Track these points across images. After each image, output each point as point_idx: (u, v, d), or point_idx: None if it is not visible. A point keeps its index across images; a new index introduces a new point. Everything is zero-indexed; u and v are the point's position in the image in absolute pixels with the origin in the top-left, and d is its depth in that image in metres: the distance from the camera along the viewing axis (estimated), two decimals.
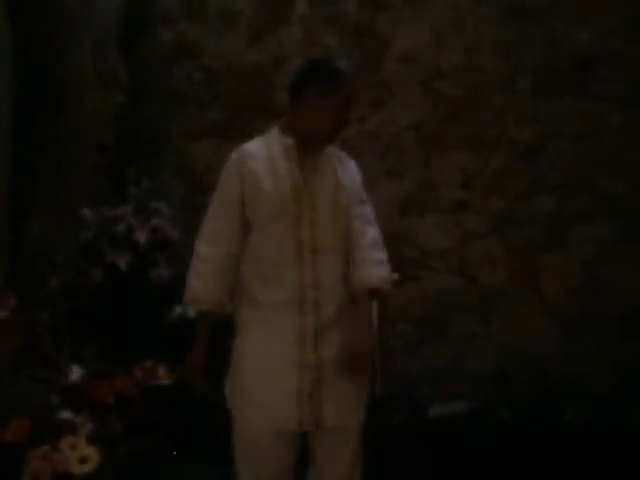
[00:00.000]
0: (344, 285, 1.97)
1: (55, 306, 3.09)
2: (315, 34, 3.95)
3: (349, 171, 2.09)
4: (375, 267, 2.02)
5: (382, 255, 2.09)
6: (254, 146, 2.01)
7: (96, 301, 3.24)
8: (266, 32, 4.02)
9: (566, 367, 3.41)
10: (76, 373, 2.93)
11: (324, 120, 1.92)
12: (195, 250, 2.01)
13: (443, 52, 3.75)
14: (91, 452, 2.52)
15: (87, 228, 3.40)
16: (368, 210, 2.10)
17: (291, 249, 1.90)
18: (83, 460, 2.48)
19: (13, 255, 3.19)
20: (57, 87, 3.50)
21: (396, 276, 3.61)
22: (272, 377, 1.89)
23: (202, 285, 1.95)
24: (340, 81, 1.92)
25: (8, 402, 2.61)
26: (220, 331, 2.08)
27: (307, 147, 1.96)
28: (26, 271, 3.23)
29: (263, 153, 1.96)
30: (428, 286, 3.79)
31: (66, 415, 2.61)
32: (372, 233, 2.08)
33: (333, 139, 2.01)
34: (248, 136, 3.99)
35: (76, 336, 3.13)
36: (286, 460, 1.94)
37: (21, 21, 3.25)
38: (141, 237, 3.41)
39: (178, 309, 3.44)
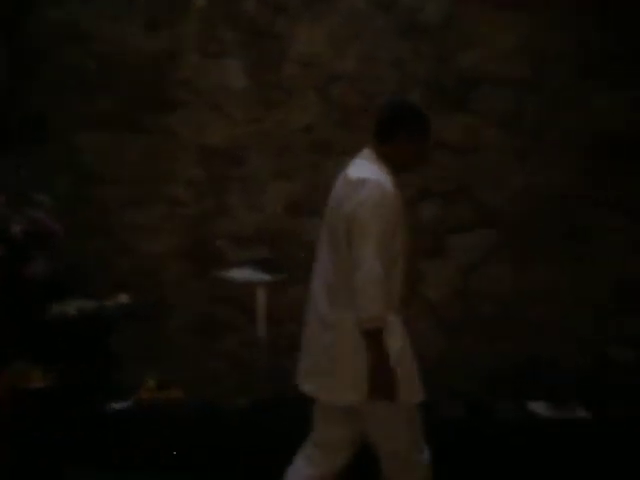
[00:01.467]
0: None
1: None
2: (213, 29, 3.90)
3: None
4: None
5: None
6: (382, 173, 2.20)
7: None
8: (163, 22, 3.91)
9: (446, 366, 3.61)
10: None
11: (416, 154, 2.27)
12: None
13: (339, 58, 3.83)
14: None
15: None
16: None
17: (404, 260, 2.24)
18: None
19: None
20: None
21: (284, 276, 3.67)
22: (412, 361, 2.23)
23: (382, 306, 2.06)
24: (428, 124, 2.29)
25: None
26: None
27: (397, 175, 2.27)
28: None
29: (389, 180, 2.20)
30: None
31: None
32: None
33: (415, 168, 2.36)
34: (139, 129, 3.94)
35: None
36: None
37: None
38: (16, 229, 3.20)
39: (56, 307, 3.27)
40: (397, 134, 2.22)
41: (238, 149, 3.97)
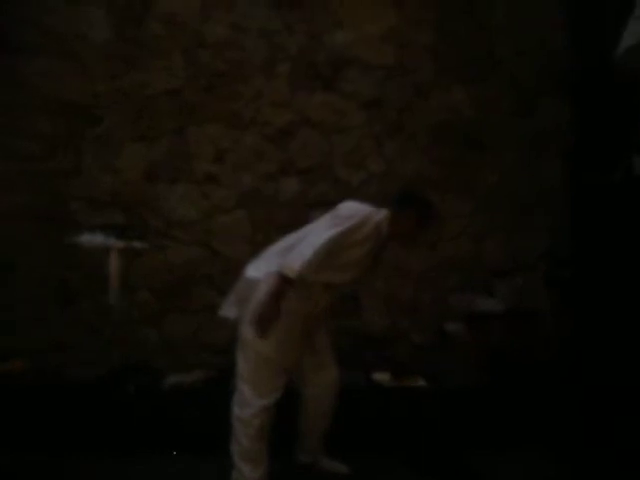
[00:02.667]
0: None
1: None
2: None
3: None
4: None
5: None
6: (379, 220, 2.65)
7: None
8: None
9: None
10: None
11: (415, 233, 2.65)
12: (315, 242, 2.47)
13: (209, 23, 3.73)
14: None
15: None
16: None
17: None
18: None
19: None
20: None
21: (138, 244, 3.56)
22: (289, 329, 2.60)
23: (308, 269, 2.40)
24: (435, 219, 2.68)
25: None
26: None
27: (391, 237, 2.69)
28: None
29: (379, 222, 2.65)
30: (172, 256, 3.78)
31: None
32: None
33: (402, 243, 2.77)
34: None
35: None
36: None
37: None
38: None
39: None
40: (406, 216, 2.62)
41: (96, 106, 3.74)
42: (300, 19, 3.76)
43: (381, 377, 3.42)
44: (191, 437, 3.12)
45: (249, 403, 2.55)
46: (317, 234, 2.47)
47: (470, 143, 3.87)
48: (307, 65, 3.79)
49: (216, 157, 3.80)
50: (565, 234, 3.86)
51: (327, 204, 3.75)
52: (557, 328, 3.70)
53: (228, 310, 2.72)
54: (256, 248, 3.75)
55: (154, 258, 3.77)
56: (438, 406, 3.17)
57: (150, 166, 3.78)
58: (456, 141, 3.86)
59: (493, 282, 3.78)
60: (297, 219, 3.78)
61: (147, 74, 3.73)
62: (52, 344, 3.56)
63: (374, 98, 3.83)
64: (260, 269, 2.64)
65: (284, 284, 2.36)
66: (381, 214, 2.65)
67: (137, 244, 3.62)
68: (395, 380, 3.36)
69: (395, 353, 3.74)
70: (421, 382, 3.34)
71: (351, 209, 2.59)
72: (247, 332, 2.55)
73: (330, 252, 2.47)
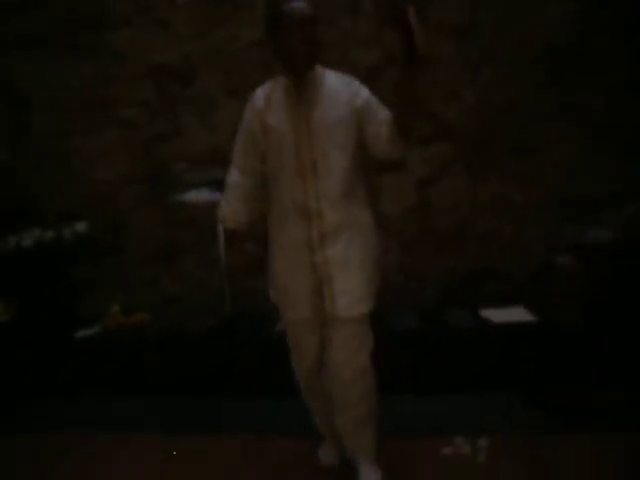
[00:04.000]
0: (350, 199, 2.25)
1: None
2: None
3: (349, 91, 2.22)
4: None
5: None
6: (262, 88, 2.29)
7: None
8: None
9: (402, 279, 3.73)
10: None
11: (284, 50, 2.11)
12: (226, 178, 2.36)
13: None
14: None
15: None
16: (378, 112, 2.21)
17: (294, 172, 2.21)
18: None
19: None
20: None
21: None
22: (291, 278, 2.29)
23: (229, 209, 2.31)
24: (279, 12, 2.09)
25: None
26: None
27: (297, 78, 2.20)
28: None
29: (267, 93, 2.27)
30: None
31: None
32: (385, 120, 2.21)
33: (302, 65, 2.13)
34: (80, 50, 3.76)
35: None
36: (312, 343, 2.39)
37: None
38: None
39: (12, 239, 3.23)
40: (269, 37, 2.16)
41: (188, 67, 3.84)
42: None
43: (488, 314, 3.36)
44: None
45: (295, 371, 2.53)
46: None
47: (571, 65, 3.55)
48: None
49: None
50: None
51: (424, 140, 3.70)
52: None
53: None
54: None
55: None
56: (548, 342, 3.08)
57: None
58: (555, 64, 3.56)
59: (602, 212, 3.53)
60: (393, 161, 3.74)
61: (233, 29, 3.75)
62: (166, 299, 3.82)
63: (464, 25, 3.60)
64: None
65: (226, 233, 2.32)
66: (275, 78, 2.29)
67: None
68: (502, 315, 3.29)
69: (501, 289, 3.64)
70: (528, 317, 3.24)
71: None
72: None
73: (246, 166, 2.29)
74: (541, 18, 3.53)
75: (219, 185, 3.71)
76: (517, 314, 3.32)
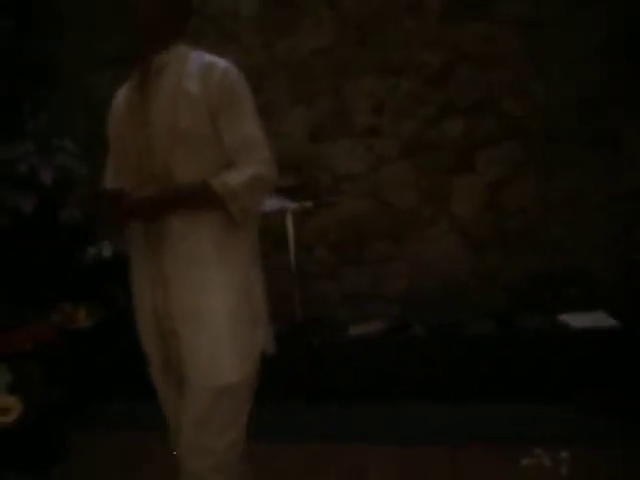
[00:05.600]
0: (203, 223, 1.66)
1: None
2: None
3: (206, 86, 1.64)
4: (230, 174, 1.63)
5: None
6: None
7: (1, 247, 3.10)
8: None
9: (475, 282, 3.65)
10: None
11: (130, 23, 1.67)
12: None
13: None
14: (12, 402, 2.51)
15: None
16: (243, 138, 1.66)
17: (131, 181, 1.67)
18: (5, 411, 2.47)
19: None
20: None
21: (309, 204, 3.68)
22: (141, 317, 1.76)
23: None
24: None
25: None
26: None
27: (140, 63, 1.71)
28: None
29: (125, 86, 1.78)
30: (343, 211, 3.87)
31: None
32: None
33: (145, 38, 1.68)
34: None
35: None
36: (174, 404, 1.79)
37: None
38: (46, 177, 3.26)
39: (92, 250, 3.37)
40: None
41: (255, 77, 3.89)
42: None
43: (566, 318, 3.22)
44: (379, 386, 3.23)
45: None
46: None
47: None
48: None
49: (375, 108, 3.77)
50: None
51: (494, 142, 3.61)
52: None
53: None
54: (423, 195, 3.75)
55: (326, 214, 3.90)
56: (631, 349, 2.92)
57: (313, 126, 3.87)
58: (630, 52, 3.39)
59: None
60: (464, 161, 3.66)
61: (297, 37, 3.78)
62: None
63: (530, 19, 3.48)
64: None
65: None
66: None
67: (309, 203, 3.75)
68: (583, 320, 3.15)
69: (579, 291, 3.49)
70: (610, 322, 3.09)
71: None
72: None
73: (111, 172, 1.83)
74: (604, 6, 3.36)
75: (287, 193, 3.74)
76: (598, 319, 3.17)
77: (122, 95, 1.78)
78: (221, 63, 1.69)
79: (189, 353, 1.66)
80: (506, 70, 3.53)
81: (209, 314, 1.65)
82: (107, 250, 3.40)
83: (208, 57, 1.71)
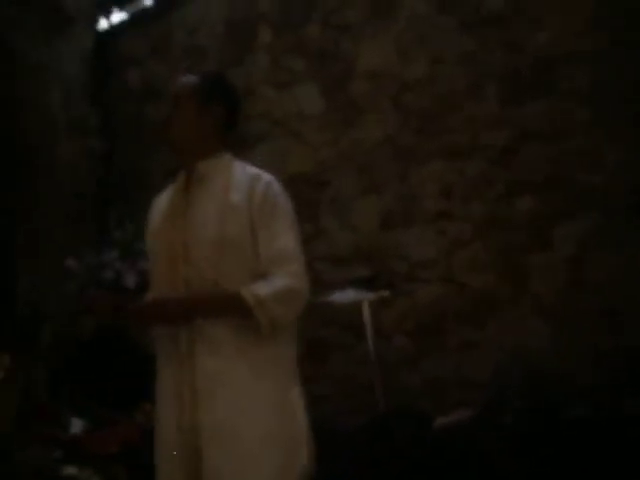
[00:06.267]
0: (240, 336, 1.63)
1: (50, 359, 3.09)
2: (281, 60, 4.00)
3: (250, 196, 1.69)
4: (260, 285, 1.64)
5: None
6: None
7: (90, 350, 3.22)
8: (233, 63, 4.07)
9: (558, 363, 3.43)
10: (77, 425, 2.92)
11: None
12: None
13: (408, 65, 3.80)
14: None
15: (73, 277, 3.40)
16: (280, 249, 1.69)
17: (162, 287, 1.70)
18: None
19: (3, 312, 3.19)
20: (29, 140, 3.52)
21: (386, 293, 3.65)
22: (160, 433, 1.68)
23: None
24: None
25: (12, 462, 2.60)
26: None
27: (185, 170, 1.77)
28: (18, 326, 3.23)
29: (164, 194, 1.84)
30: (420, 297, 3.81)
31: (70, 470, 2.59)
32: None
33: (178, 151, 1.77)
34: None
35: (73, 386, 3.13)
36: None
37: None
38: (130, 281, 3.42)
39: None
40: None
41: (323, 172, 4.03)
42: (495, 31, 3.61)
43: None
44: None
45: None
46: None
47: None
48: (514, 76, 3.60)
49: (443, 192, 3.79)
50: None
51: (568, 215, 3.50)
52: None
53: None
54: (501, 275, 3.65)
55: (403, 302, 3.84)
56: None
57: (383, 215, 3.92)
58: None
59: None
60: (538, 238, 3.56)
61: (361, 130, 3.91)
62: (313, 397, 3.80)
63: (594, 88, 3.45)
64: None
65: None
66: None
67: (386, 292, 3.72)
68: None
69: None
70: None
71: None
72: None
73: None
74: None
75: (362, 284, 3.73)
76: None
77: (162, 201, 1.82)
78: (266, 175, 1.75)
79: (211, 477, 1.56)
80: (575, 141, 3.48)
81: (241, 433, 1.57)
82: None
83: (251, 168, 1.78)
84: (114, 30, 4.27)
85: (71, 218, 3.72)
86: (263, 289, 1.59)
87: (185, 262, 1.64)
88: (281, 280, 1.63)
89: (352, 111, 3.93)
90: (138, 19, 4.26)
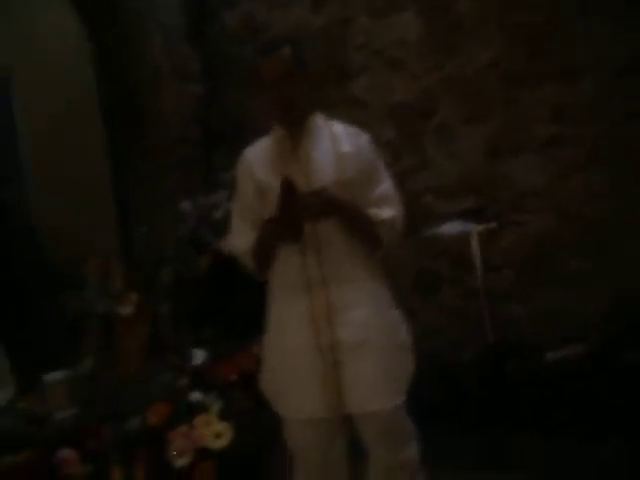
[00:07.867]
0: (360, 268, 1.96)
1: (171, 298, 3.29)
2: None
3: (357, 147, 2.02)
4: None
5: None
6: (251, 145, 2.12)
7: (206, 288, 3.39)
8: None
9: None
10: (199, 357, 3.12)
11: (265, 107, 2.00)
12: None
13: None
14: (224, 428, 2.71)
15: (187, 219, 3.55)
16: (386, 189, 2.04)
17: None
18: (218, 435, 2.67)
19: (126, 256, 3.40)
20: (136, 88, 3.64)
21: (493, 224, 3.57)
22: (292, 366, 1.92)
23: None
24: (258, 68, 1.98)
25: (144, 389, 2.85)
26: None
27: (290, 130, 2.00)
28: (141, 269, 3.45)
29: (256, 148, 2.08)
30: (529, 228, 3.68)
31: (197, 396, 2.80)
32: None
33: (288, 120, 1.99)
34: (327, 104, 4.06)
35: (193, 322, 3.33)
36: (327, 450, 1.97)
37: (95, 34, 3.39)
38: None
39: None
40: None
41: (426, 100, 3.90)
42: None
43: None
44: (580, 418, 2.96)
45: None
46: None
47: None
48: None
49: (554, 116, 3.57)
50: None
51: None
52: None
53: None
54: (617, 205, 3.43)
55: (512, 234, 3.74)
56: None
57: (489, 143, 3.77)
58: None
59: None
60: None
61: (464, 55, 3.73)
62: (422, 331, 3.82)
63: None
64: None
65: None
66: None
67: (493, 224, 3.64)
68: None
69: None
70: None
71: None
72: None
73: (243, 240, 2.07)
74: None
75: (470, 215, 3.66)
76: None
77: (261, 151, 2.05)
78: (363, 131, 2.09)
79: (351, 381, 1.86)
80: None
81: (377, 345, 1.90)
82: None
83: (346, 125, 2.09)
84: None
85: (179, 163, 3.86)
86: (381, 214, 1.96)
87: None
88: (391, 211, 1.99)
89: (454, 34, 3.74)
90: None
